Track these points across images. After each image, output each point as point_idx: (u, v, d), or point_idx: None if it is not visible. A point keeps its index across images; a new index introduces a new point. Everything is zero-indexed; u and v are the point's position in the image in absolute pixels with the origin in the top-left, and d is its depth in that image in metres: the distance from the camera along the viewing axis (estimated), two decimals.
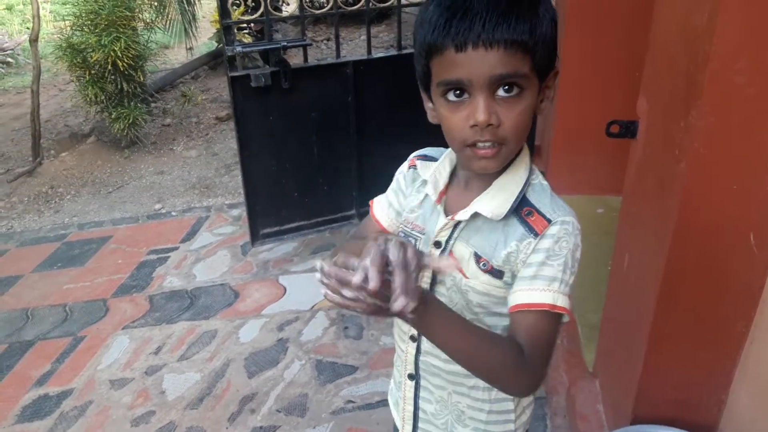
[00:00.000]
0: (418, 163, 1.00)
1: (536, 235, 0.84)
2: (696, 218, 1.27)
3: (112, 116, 4.63)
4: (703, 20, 1.15)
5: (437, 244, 0.93)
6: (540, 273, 0.84)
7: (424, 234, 0.96)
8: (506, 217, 0.87)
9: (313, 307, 2.72)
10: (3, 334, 2.76)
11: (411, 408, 1.07)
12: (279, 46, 2.84)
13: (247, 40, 5.49)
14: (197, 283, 2.99)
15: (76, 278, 3.17)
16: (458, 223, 0.91)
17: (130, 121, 4.62)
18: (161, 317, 2.76)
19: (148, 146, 4.89)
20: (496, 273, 0.88)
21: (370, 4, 2.96)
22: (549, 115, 3.17)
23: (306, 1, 2.91)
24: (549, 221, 0.84)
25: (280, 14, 3.55)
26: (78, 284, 3.12)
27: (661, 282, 1.37)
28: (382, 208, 1.06)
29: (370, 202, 1.10)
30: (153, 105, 5.43)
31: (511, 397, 1.00)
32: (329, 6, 2.94)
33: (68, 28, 4.64)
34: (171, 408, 2.23)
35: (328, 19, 6.67)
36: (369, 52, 3.08)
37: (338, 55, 3.04)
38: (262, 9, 2.79)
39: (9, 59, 7.33)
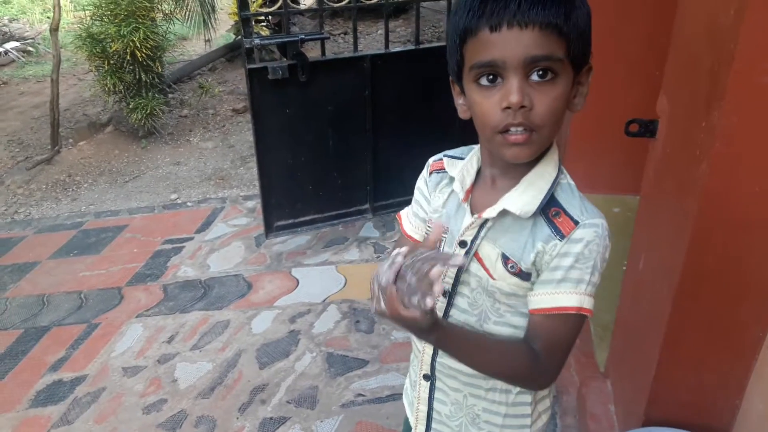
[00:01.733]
0: (446, 161, 0.97)
1: (562, 236, 0.82)
2: (715, 220, 1.25)
3: (130, 106, 4.66)
4: (728, 19, 1.13)
5: (462, 244, 0.90)
6: (568, 276, 0.82)
7: (447, 233, 0.93)
8: (534, 215, 0.85)
9: (325, 299, 2.72)
10: (19, 320, 2.80)
11: (425, 408, 1.05)
12: (297, 39, 2.84)
13: (265, 32, 5.51)
14: (211, 274, 3.01)
15: (92, 266, 3.20)
16: (485, 221, 0.88)
17: (148, 111, 4.65)
18: (175, 306, 2.78)
19: (165, 137, 4.92)
20: (525, 275, 0.86)
21: None
22: (566, 113, 3.14)
23: None
24: (576, 223, 0.82)
25: (298, 7, 3.55)
26: (94, 272, 3.15)
27: (677, 284, 1.36)
28: (411, 221, 1.04)
29: (397, 216, 1.08)
30: (170, 96, 5.46)
31: (528, 401, 0.98)
32: (347, 0, 2.93)
33: (88, 18, 4.68)
34: (182, 396, 2.25)
35: (345, 13, 6.67)
36: (386, 46, 3.07)
37: (356, 49, 3.03)
38: (280, 2, 2.79)
39: (30, 48, 7.41)
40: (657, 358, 1.47)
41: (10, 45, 7.24)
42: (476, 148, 0.95)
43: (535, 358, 0.84)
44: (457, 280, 0.93)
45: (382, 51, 3.05)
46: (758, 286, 1.30)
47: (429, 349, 1.00)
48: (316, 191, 3.20)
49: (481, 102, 0.79)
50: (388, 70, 3.03)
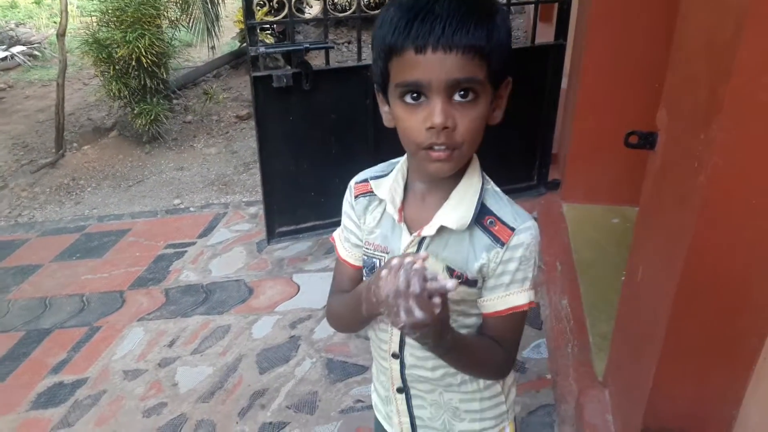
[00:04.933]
0: (372, 183, 0.98)
1: (502, 244, 0.88)
2: (713, 231, 1.27)
3: (135, 111, 4.70)
4: (727, 34, 1.15)
5: None
6: (515, 278, 0.90)
7: (387, 252, 0.96)
8: (470, 227, 0.89)
9: (325, 306, 2.73)
10: (21, 322, 2.81)
11: (407, 419, 1.08)
12: (302, 48, 2.87)
13: (269, 40, 5.55)
14: (213, 278, 3.03)
15: (95, 269, 3.22)
16: (423, 238, 0.91)
17: (152, 117, 4.68)
18: (176, 311, 2.80)
19: (168, 142, 4.95)
20: (471, 283, 0.91)
21: None
22: (567, 123, 3.17)
23: (329, 4, 2.94)
24: (512, 230, 0.88)
25: (303, 16, 3.58)
26: (96, 275, 3.17)
27: (675, 295, 1.37)
28: (345, 248, 1.05)
29: (331, 239, 1.10)
30: (175, 102, 5.50)
31: (498, 381, 1.06)
32: (352, 10, 2.97)
33: (95, 24, 4.72)
34: (183, 400, 2.26)
35: (349, 22, 6.72)
36: None
37: (359, 58, 3.06)
38: (286, 11, 2.82)
39: (36, 52, 7.46)
40: (655, 368, 1.49)
41: (17, 49, 7.30)
42: (400, 162, 0.97)
43: (500, 351, 0.94)
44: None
45: None
46: (755, 298, 1.31)
47: (396, 365, 1.03)
48: (317, 198, 3.21)
49: (406, 119, 0.82)
50: None
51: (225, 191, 4.13)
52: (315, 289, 2.88)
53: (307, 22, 5.61)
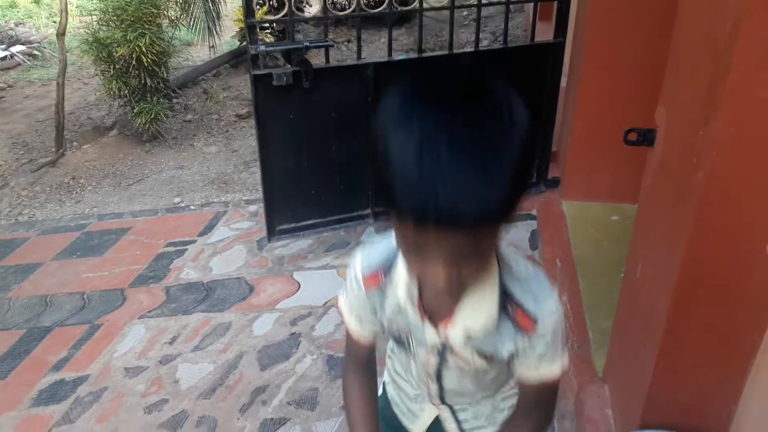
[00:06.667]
0: (384, 281, 0.94)
1: (525, 332, 0.86)
2: (712, 227, 1.28)
3: (135, 110, 4.71)
4: (725, 31, 1.16)
5: (434, 350, 0.95)
6: (544, 357, 0.89)
7: (411, 333, 0.96)
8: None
9: (326, 303, 2.74)
10: (22, 320, 2.82)
11: (455, 426, 1.11)
12: (302, 46, 2.88)
13: (269, 39, 5.55)
14: (213, 276, 3.04)
15: (95, 267, 3.23)
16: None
17: (152, 115, 4.69)
18: (177, 308, 2.81)
19: (168, 141, 4.96)
20: (502, 359, 0.93)
21: (392, 8, 2.99)
22: (566, 121, 3.18)
23: (328, 3, 2.95)
24: (535, 320, 0.85)
25: (303, 15, 3.59)
26: (96, 273, 3.18)
27: (674, 291, 1.38)
28: (358, 329, 1.04)
29: (338, 310, 1.09)
30: (175, 101, 5.51)
31: None
32: (352, 8, 2.97)
33: (95, 23, 4.73)
34: (184, 397, 2.27)
35: (349, 21, 6.73)
36: (389, 54, 3.10)
37: (359, 57, 3.07)
38: (286, 9, 2.83)
39: (35, 52, 7.46)
40: (654, 363, 1.50)
41: (16, 48, 7.30)
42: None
43: (535, 422, 0.98)
44: (439, 370, 1.00)
45: (385, 59, 3.09)
46: (754, 293, 1.32)
47: (433, 386, 1.04)
48: (318, 196, 3.23)
49: (410, 258, 0.78)
50: (390, 77, 3.06)
51: (225, 189, 4.14)
52: (315, 286, 2.88)
53: (306, 20, 5.63)
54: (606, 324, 2.15)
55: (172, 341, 2.59)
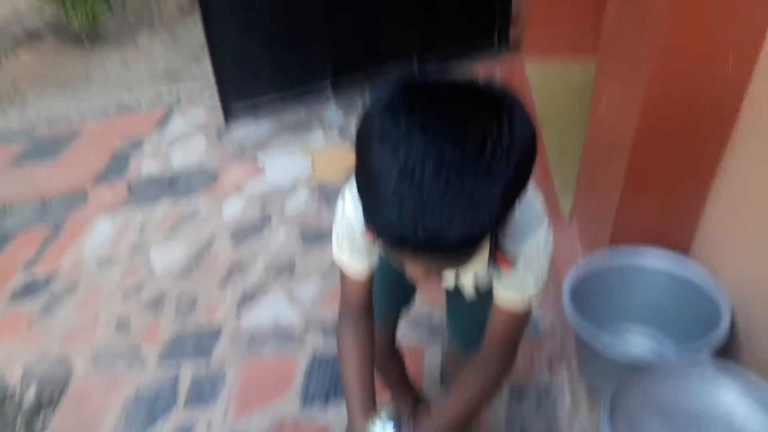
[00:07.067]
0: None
1: (502, 268, 0.87)
2: (675, 45, 1.26)
3: (70, 13, 4.39)
4: None
5: None
6: (516, 287, 0.90)
7: None
8: None
9: (293, 182, 2.72)
10: None
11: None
12: None
13: None
14: (175, 169, 2.97)
15: (51, 172, 3.12)
16: None
17: (90, 15, 4.40)
18: (142, 200, 2.76)
19: (110, 41, 4.67)
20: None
21: None
22: None
23: None
24: (513, 259, 0.85)
25: None
26: (54, 177, 3.07)
27: (639, 113, 1.39)
28: (351, 264, 1.00)
29: (336, 260, 1.01)
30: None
31: None
32: None
33: None
34: (161, 280, 2.27)
35: None
36: None
37: None
38: None
39: None
40: (620, 190, 1.53)
41: None
42: None
43: (492, 373, 0.98)
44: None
45: None
46: (717, 108, 1.34)
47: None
48: (272, 70, 3.09)
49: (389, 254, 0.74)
50: None
51: (176, 83, 3.95)
52: (281, 168, 2.84)
53: None
54: (570, 173, 2.17)
55: (141, 231, 2.55)
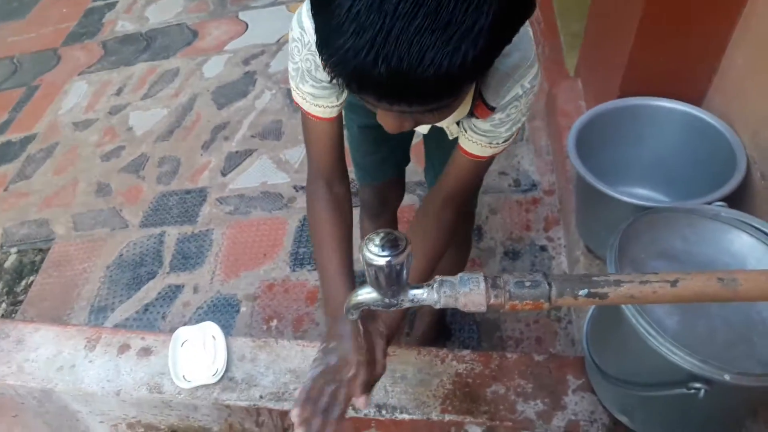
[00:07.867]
0: None
1: (478, 117, 0.76)
2: None
3: None
4: None
5: None
6: (487, 135, 0.78)
7: None
8: None
9: (278, 39, 2.53)
10: None
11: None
12: None
13: None
14: (151, 26, 2.76)
15: (20, 31, 2.92)
16: None
17: None
18: (118, 61, 2.58)
19: None
20: None
21: None
22: None
23: None
24: (492, 109, 0.74)
25: None
26: (23, 36, 2.88)
27: None
28: (315, 101, 0.81)
29: (298, 101, 0.83)
30: None
31: None
32: None
33: None
34: (141, 142, 2.16)
35: None
36: None
37: None
38: None
39: None
40: (634, 34, 1.38)
41: None
42: None
43: (447, 220, 0.86)
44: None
45: None
46: None
47: None
48: None
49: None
50: None
51: None
52: (265, 24, 2.64)
53: None
54: (578, 27, 2.01)
55: (118, 92, 2.41)
